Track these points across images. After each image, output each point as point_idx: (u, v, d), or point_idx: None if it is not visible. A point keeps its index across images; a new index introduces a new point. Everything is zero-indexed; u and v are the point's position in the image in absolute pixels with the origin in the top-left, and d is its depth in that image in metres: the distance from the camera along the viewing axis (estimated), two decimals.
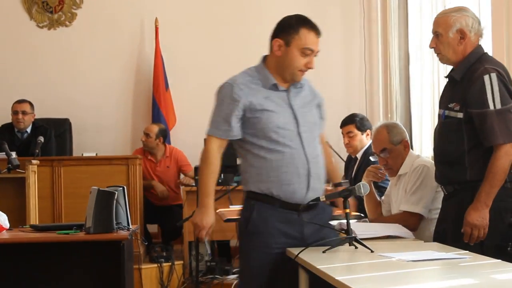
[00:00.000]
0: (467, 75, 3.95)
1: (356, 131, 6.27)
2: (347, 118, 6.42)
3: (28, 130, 7.91)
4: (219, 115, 3.77)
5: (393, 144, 4.70)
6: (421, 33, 7.14)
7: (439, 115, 4.16)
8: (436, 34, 4.07)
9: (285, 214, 3.70)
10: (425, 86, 6.99)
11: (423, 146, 7.00)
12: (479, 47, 4.02)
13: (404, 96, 7.70)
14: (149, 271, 7.14)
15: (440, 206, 4.29)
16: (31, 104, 7.95)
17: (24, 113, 7.87)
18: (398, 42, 7.76)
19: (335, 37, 8.79)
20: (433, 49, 4.14)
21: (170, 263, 7.27)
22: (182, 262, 7.39)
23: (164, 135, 8.17)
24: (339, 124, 6.45)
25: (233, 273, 7.26)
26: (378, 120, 8.17)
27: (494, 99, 3.83)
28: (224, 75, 9.56)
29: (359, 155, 6.21)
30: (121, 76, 8.90)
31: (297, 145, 3.72)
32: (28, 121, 7.91)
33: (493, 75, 3.84)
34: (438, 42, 4.05)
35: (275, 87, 3.76)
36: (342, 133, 6.38)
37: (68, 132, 8.43)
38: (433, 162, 4.35)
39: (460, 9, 4.09)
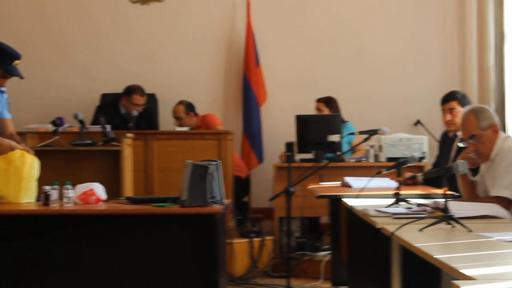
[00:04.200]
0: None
1: (459, 108, 6.07)
2: (448, 95, 6.25)
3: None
4: None
5: (482, 130, 4.59)
6: None
7: None
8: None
9: None
10: None
11: None
12: None
13: (499, 76, 7.46)
14: (240, 245, 7.20)
15: None
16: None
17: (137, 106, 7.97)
18: (494, 20, 7.52)
19: (430, 16, 8.67)
20: None
21: (260, 239, 7.31)
22: (272, 237, 7.43)
23: (191, 107, 8.18)
24: (435, 102, 6.31)
25: (323, 250, 7.25)
26: (473, 100, 8.00)
27: None
28: (315, 52, 9.48)
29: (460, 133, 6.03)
30: (212, 52, 8.94)
31: None
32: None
33: None
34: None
35: None
36: (443, 109, 6.19)
37: (155, 107, 8.55)
38: None
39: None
